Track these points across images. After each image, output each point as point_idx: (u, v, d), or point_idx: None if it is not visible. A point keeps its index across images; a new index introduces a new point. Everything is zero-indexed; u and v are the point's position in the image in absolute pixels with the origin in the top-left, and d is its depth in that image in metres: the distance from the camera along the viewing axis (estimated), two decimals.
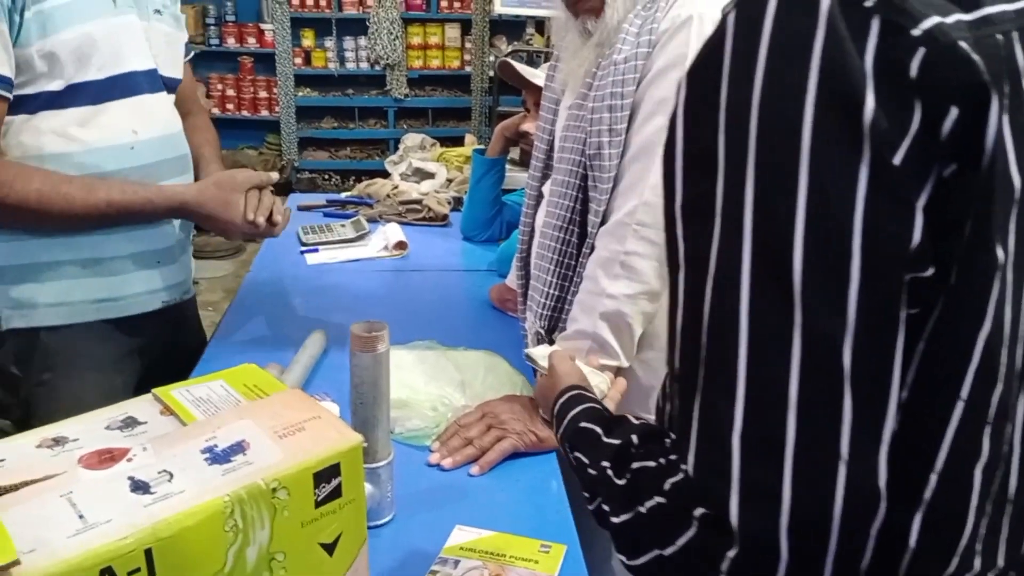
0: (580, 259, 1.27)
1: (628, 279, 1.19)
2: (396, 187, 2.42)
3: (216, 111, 6.15)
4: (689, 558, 0.54)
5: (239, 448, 0.69)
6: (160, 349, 1.45)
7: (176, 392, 0.78)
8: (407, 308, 1.74)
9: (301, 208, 2.39)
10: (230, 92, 6.19)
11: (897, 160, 0.48)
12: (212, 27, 6.06)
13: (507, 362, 1.45)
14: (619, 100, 1.18)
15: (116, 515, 0.61)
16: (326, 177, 6.19)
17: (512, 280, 1.57)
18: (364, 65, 6.12)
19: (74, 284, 1.32)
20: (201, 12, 5.97)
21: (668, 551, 0.55)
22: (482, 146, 2.07)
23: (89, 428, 0.73)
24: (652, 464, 0.59)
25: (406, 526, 1.04)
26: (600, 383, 1.04)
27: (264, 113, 6.22)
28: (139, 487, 0.64)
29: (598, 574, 1.02)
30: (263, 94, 6.19)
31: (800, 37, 0.49)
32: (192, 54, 1.58)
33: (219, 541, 0.64)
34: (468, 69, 6.12)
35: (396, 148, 5.60)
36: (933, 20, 0.48)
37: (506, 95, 5.82)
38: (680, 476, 0.55)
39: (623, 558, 0.60)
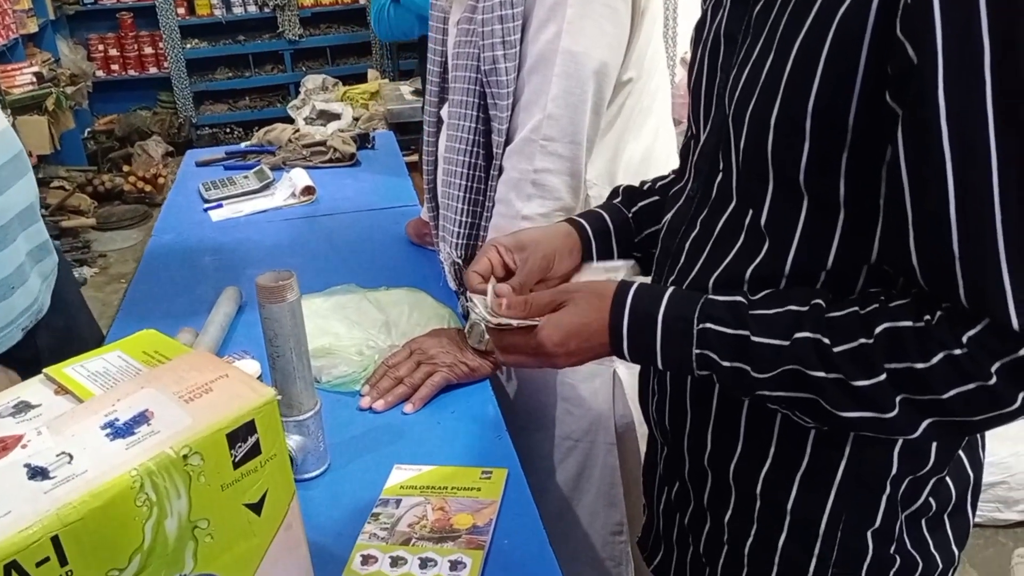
0: (489, 182, 1.23)
1: (541, 198, 1.16)
2: (297, 130, 2.32)
3: (101, 74, 5.81)
4: (954, 368, 0.61)
5: (142, 418, 0.65)
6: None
7: (69, 369, 0.73)
8: (322, 254, 1.69)
9: (199, 164, 2.27)
10: (113, 52, 5.85)
11: None
12: None
13: (431, 296, 1.42)
14: (510, 9, 1.13)
15: (15, 506, 0.57)
16: (227, 131, 5.95)
17: (425, 213, 1.53)
18: (252, 8, 5.85)
19: None
20: None
21: (921, 365, 0.62)
22: None
23: None
24: (892, 305, 0.65)
25: (343, 474, 1.02)
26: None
27: (153, 70, 5.91)
28: (37, 473, 0.60)
29: (540, 492, 1.03)
30: (148, 50, 5.87)
31: None
32: None
33: (133, 518, 0.60)
34: (363, 1, 5.89)
35: (297, 92, 5.41)
36: None
37: None
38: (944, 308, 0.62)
39: (854, 380, 0.65)
